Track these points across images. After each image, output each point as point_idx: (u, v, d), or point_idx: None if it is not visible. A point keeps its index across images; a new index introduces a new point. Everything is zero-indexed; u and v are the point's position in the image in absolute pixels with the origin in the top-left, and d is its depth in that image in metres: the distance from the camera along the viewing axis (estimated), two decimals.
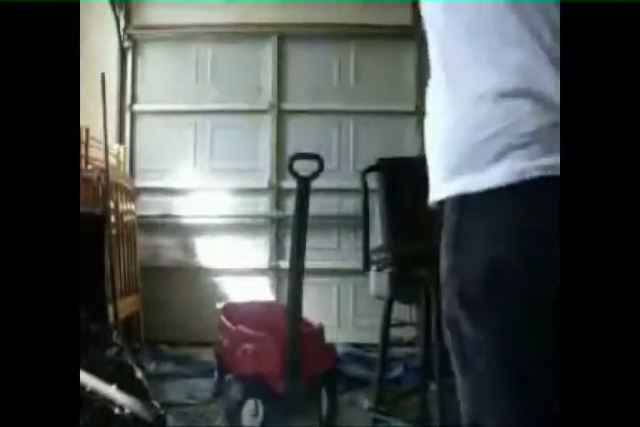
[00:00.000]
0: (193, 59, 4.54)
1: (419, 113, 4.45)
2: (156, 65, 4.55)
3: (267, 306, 3.32)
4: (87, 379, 1.91)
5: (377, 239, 4.29)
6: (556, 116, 0.93)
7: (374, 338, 3.92)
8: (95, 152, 3.52)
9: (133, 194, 4.00)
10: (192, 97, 4.51)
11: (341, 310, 4.46)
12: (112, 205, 3.41)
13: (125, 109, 4.51)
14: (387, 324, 2.63)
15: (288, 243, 2.66)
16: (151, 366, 3.39)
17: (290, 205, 4.26)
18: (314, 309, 2.90)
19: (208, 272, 4.41)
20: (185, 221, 4.44)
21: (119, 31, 4.46)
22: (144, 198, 4.33)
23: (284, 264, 4.16)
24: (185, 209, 4.45)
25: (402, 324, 3.80)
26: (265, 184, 4.46)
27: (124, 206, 3.71)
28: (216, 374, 3.12)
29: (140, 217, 4.08)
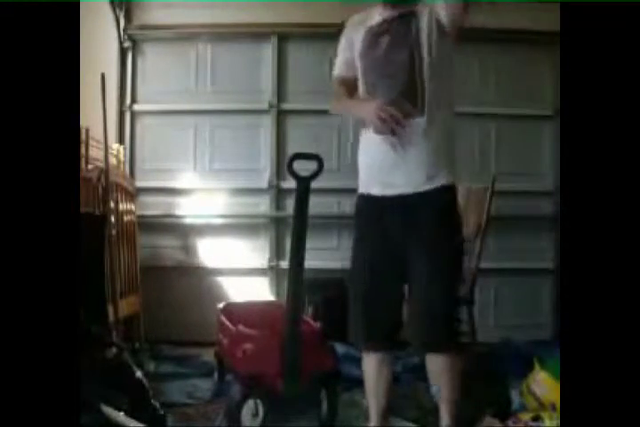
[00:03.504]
0: (193, 59, 4.54)
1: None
2: (156, 65, 4.55)
3: (267, 306, 3.32)
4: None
5: None
6: None
7: None
8: (95, 152, 3.51)
9: (133, 194, 4.00)
10: (192, 97, 4.51)
11: None
12: (112, 205, 3.41)
13: (125, 109, 4.51)
14: None
15: (288, 243, 2.66)
16: (151, 366, 3.38)
17: (290, 205, 4.26)
18: None
19: (208, 272, 4.41)
20: (185, 220, 4.45)
21: (119, 31, 4.45)
22: (144, 198, 4.33)
23: (284, 264, 4.16)
24: (185, 209, 4.45)
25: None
26: (265, 184, 4.46)
27: (124, 206, 3.71)
28: (216, 374, 3.12)
29: (140, 217, 4.07)
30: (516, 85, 4.50)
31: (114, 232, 3.37)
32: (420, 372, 3.26)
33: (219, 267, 4.41)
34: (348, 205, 4.42)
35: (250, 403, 2.46)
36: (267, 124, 4.50)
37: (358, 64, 2.31)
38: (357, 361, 3.46)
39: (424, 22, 2.14)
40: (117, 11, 4.39)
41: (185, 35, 4.50)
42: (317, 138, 4.42)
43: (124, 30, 4.46)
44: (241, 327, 2.69)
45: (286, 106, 4.50)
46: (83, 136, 3.38)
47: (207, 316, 3.56)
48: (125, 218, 3.73)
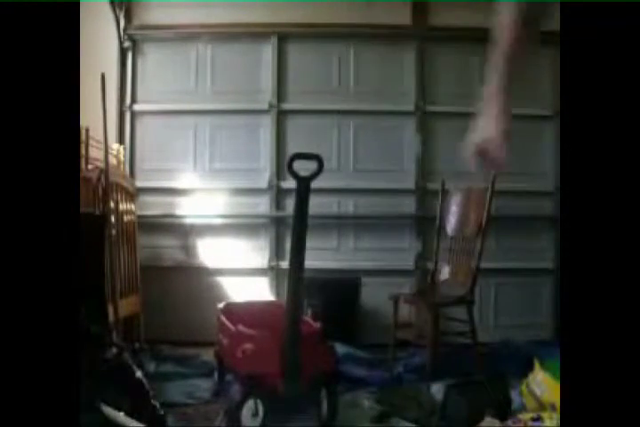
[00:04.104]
0: (193, 59, 4.54)
1: (418, 113, 4.46)
2: (156, 65, 4.55)
3: (267, 306, 3.32)
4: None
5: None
6: None
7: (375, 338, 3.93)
8: (95, 152, 3.51)
9: (133, 194, 4.00)
10: (192, 97, 4.52)
11: None
12: (112, 205, 3.41)
13: (125, 109, 4.51)
14: None
15: (288, 243, 2.66)
16: (151, 366, 3.38)
17: (290, 205, 4.26)
18: None
19: (208, 272, 4.41)
20: (185, 221, 4.45)
21: (119, 31, 4.46)
22: (144, 198, 4.33)
23: (284, 264, 4.16)
24: (185, 209, 4.45)
25: (408, 324, 3.82)
26: (265, 184, 4.46)
27: (124, 206, 3.71)
28: (216, 374, 3.11)
29: (140, 217, 4.08)
30: (516, 85, 4.50)
31: (114, 232, 3.37)
32: (420, 372, 3.27)
33: (219, 267, 4.42)
34: (347, 205, 4.43)
35: (250, 403, 2.46)
36: (267, 124, 4.50)
37: None
38: (357, 361, 3.48)
39: None
40: (117, 11, 4.40)
41: (185, 35, 4.50)
42: (317, 138, 4.42)
43: (124, 30, 4.46)
44: (241, 327, 2.69)
45: (286, 106, 4.50)
46: (83, 136, 3.38)
47: (207, 316, 3.56)
48: (125, 218, 3.73)
